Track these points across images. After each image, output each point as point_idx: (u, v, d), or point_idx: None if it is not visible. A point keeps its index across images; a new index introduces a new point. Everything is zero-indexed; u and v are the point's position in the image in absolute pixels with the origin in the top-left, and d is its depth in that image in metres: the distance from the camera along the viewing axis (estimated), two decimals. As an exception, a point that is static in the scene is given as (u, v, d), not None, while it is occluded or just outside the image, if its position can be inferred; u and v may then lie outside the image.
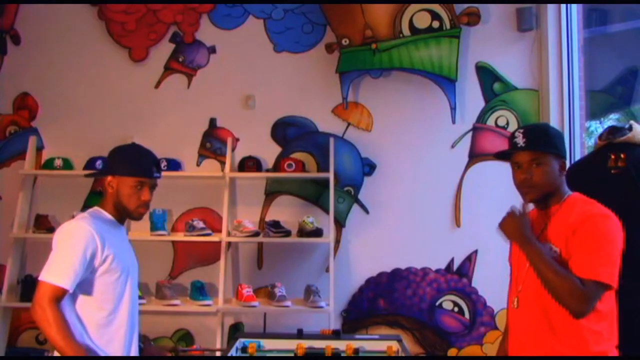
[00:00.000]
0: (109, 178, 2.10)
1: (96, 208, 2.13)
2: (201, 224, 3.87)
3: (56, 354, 1.94)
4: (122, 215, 2.14)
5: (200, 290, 3.82)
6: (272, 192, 4.10)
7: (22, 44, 4.19)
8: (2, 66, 4.19)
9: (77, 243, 1.93)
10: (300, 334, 2.61)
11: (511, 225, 2.05)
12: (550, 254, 1.92)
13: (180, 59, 4.15)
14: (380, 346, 2.54)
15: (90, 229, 1.96)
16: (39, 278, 1.92)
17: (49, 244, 3.83)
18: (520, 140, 2.00)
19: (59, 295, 1.89)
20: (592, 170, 2.67)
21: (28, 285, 3.82)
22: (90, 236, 1.95)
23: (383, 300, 4.00)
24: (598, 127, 4.05)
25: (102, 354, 1.98)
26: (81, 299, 1.99)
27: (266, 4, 4.13)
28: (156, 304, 3.76)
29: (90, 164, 3.86)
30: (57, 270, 1.90)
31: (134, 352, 2.12)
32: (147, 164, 2.14)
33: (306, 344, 2.50)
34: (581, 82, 3.90)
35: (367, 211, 4.05)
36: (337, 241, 4.01)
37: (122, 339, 2.05)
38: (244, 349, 2.51)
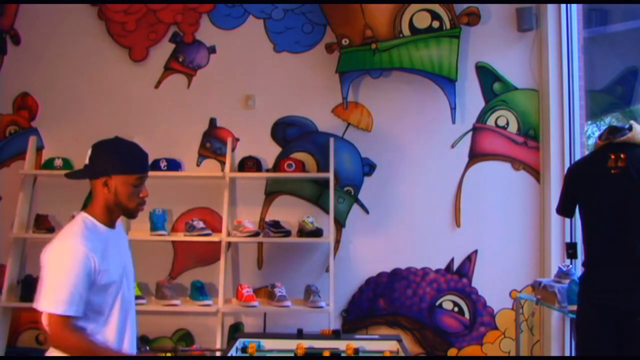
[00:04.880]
0: (104, 179, 1.96)
1: (84, 216, 1.99)
2: (201, 224, 3.87)
3: (56, 353, 1.94)
4: (116, 216, 2.04)
5: (200, 290, 3.82)
6: (272, 192, 4.10)
7: (22, 44, 4.19)
8: (2, 66, 4.20)
9: (74, 266, 1.84)
10: (300, 334, 2.61)
11: None
12: None
13: (180, 59, 4.15)
14: (380, 346, 2.54)
15: (84, 250, 1.86)
16: (45, 310, 1.83)
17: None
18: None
19: (71, 322, 1.84)
20: (592, 171, 2.66)
21: (28, 285, 3.81)
22: (86, 258, 1.85)
23: (383, 300, 4.00)
24: (595, 130, 4.06)
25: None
26: None
27: (266, 4, 4.13)
28: (156, 304, 3.76)
29: (90, 164, 3.86)
30: (62, 299, 1.82)
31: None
32: (143, 158, 2.06)
33: (306, 344, 2.50)
34: (581, 82, 3.89)
35: (367, 211, 4.05)
36: (337, 241, 4.01)
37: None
38: (244, 349, 2.50)
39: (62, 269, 1.84)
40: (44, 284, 1.85)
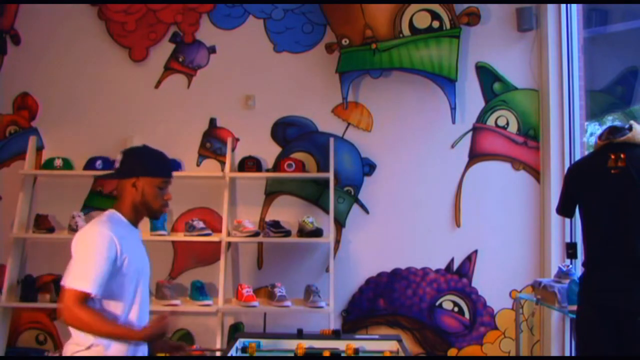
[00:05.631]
0: (133, 180, 2.11)
1: (112, 211, 2.13)
2: (201, 224, 3.87)
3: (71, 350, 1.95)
4: (141, 216, 2.17)
5: (200, 290, 3.82)
6: (272, 192, 4.10)
7: (22, 44, 4.19)
8: (2, 66, 4.19)
9: (100, 248, 1.96)
10: (300, 334, 2.61)
11: None
12: None
13: (180, 59, 4.15)
14: (380, 346, 2.54)
15: (110, 234, 1.99)
16: (63, 284, 1.94)
17: (49, 244, 3.82)
18: None
19: (84, 299, 1.92)
20: (592, 171, 2.66)
21: (28, 285, 3.82)
22: (111, 240, 1.98)
23: (383, 300, 4.00)
24: (597, 129, 4.06)
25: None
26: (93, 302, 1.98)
27: (266, 4, 4.13)
28: (156, 304, 3.75)
29: (90, 164, 3.86)
30: (81, 276, 1.93)
31: (141, 353, 2.11)
32: (168, 164, 2.27)
33: (306, 344, 2.50)
34: (581, 82, 3.89)
35: (367, 211, 4.05)
36: (337, 241, 4.01)
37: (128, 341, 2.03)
38: (244, 349, 2.51)
39: (88, 251, 1.98)
40: (71, 265, 1.97)
